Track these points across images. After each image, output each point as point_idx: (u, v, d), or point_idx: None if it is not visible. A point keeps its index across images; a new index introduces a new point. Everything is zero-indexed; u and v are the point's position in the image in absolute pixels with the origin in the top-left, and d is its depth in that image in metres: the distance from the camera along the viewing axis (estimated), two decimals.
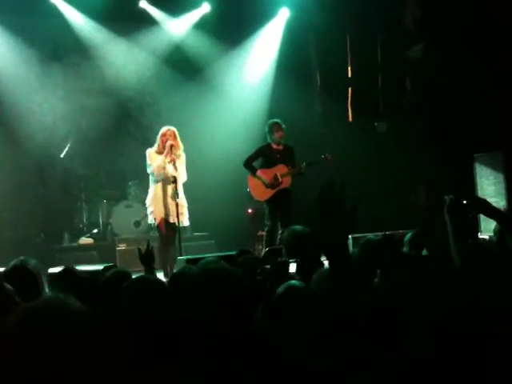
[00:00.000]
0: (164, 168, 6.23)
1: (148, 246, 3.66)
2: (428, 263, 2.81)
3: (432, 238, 3.15)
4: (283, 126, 6.94)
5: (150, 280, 2.20)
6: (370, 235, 5.13)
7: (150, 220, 6.46)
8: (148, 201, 6.45)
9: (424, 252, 3.03)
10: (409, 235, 3.17)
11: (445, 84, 8.49)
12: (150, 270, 3.60)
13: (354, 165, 8.74)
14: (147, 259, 3.62)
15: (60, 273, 3.23)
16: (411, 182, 9.13)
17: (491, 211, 2.38)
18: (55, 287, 3.08)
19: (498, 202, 7.12)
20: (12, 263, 3.18)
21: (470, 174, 7.50)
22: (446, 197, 2.33)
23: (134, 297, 2.02)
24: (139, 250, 3.67)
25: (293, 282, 2.08)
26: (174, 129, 6.38)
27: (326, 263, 3.28)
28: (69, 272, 3.25)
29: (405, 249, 3.06)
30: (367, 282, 2.22)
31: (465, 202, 2.35)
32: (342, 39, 9.42)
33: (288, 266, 2.73)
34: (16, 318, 1.43)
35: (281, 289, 2.03)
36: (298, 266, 2.76)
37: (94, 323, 1.51)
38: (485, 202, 2.47)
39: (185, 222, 6.41)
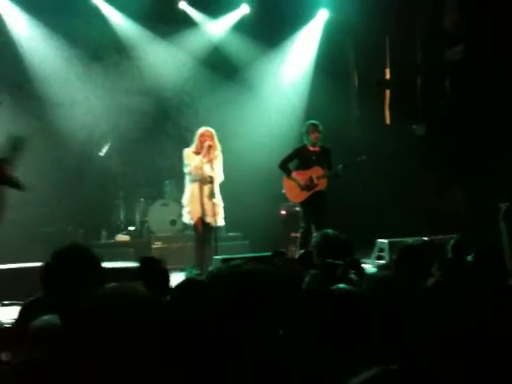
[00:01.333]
0: (201, 168, 6.29)
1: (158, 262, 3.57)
2: (474, 269, 2.77)
3: (477, 244, 3.10)
4: (320, 127, 6.91)
5: (197, 281, 2.25)
6: (409, 240, 5.11)
7: (188, 220, 6.52)
8: (184, 200, 6.51)
9: (469, 258, 2.99)
10: (452, 241, 3.12)
11: (484, 86, 8.34)
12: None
13: (392, 168, 8.66)
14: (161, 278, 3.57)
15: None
16: (450, 185, 8.99)
17: None
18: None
19: None
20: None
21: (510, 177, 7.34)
22: (501, 204, 2.30)
23: (182, 297, 2.08)
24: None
25: (341, 285, 2.07)
26: (211, 130, 6.44)
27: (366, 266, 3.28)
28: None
29: (449, 255, 3.02)
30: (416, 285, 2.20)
31: None
32: (381, 41, 9.34)
33: (336, 268, 2.73)
34: (90, 302, 1.49)
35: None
36: (345, 269, 2.74)
37: (160, 312, 1.56)
38: None
39: (220, 221, 6.46)
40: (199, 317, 1.87)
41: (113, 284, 1.61)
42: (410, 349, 1.47)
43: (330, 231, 3.41)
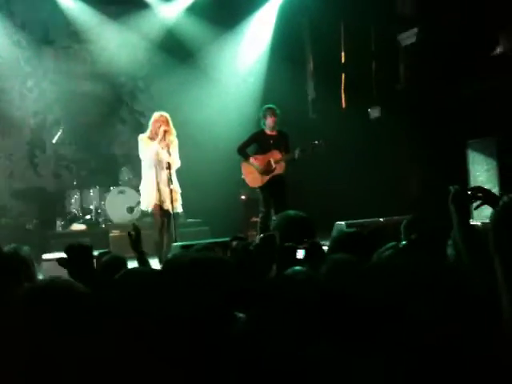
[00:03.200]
0: (158, 154, 6.19)
1: (136, 229, 3.57)
2: (418, 250, 2.82)
3: (424, 225, 3.16)
4: (277, 111, 6.90)
5: (141, 272, 2.19)
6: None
7: (145, 207, 6.43)
8: (141, 187, 6.42)
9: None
10: (404, 221, 3.18)
11: (438, 69, 8.48)
12: (142, 256, 3.56)
13: (348, 151, 8.74)
14: (137, 244, 3.56)
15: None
16: (404, 168, 9.15)
17: (488, 196, 2.39)
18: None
19: (490, 188, 7.14)
20: (4, 250, 3.16)
21: (462, 161, 7.51)
22: (450, 187, 2.34)
23: (124, 289, 2.01)
24: (130, 235, 3.60)
25: (298, 268, 2.06)
26: (166, 114, 6.33)
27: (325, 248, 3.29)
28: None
29: (402, 235, 3.07)
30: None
31: (469, 192, 2.36)
32: (336, 24, 9.37)
33: (296, 251, 2.71)
34: (21, 296, 1.43)
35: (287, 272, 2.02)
36: (307, 252, 2.73)
37: (97, 306, 1.51)
38: (489, 191, 2.47)
39: (178, 208, 6.39)
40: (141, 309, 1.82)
41: (44, 279, 1.55)
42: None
43: (291, 212, 3.41)
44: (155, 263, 5.64)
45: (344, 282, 1.72)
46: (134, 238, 3.48)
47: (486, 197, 2.37)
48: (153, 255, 6.06)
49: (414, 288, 1.46)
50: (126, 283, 1.97)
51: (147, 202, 6.31)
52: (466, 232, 2.21)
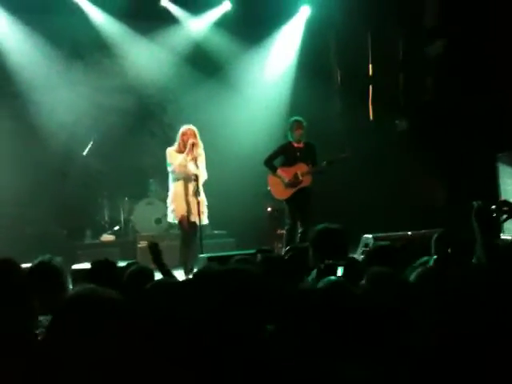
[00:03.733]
0: (185, 166, 6.27)
1: (153, 245, 3.69)
2: (450, 263, 2.81)
3: (454, 239, 3.15)
4: (304, 123, 6.92)
5: (170, 283, 2.22)
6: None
7: (172, 219, 6.49)
8: (169, 199, 6.48)
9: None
10: (435, 235, 3.17)
11: (466, 80, 8.41)
12: (163, 268, 3.62)
13: (374, 163, 8.70)
14: (157, 258, 3.65)
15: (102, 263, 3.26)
16: (432, 180, 9.06)
17: None
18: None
19: None
20: (37, 260, 3.21)
21: (492, 174, 7.41)
22: (473, 202, 2.33)
23: (154, 299, 2.04)
24: (150, 249, 3.70)
25: (333, 278, 2.07)
26: (194, 128, 6.42)
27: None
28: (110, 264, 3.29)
29: (432, 249, 3.06)
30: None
31: (495, 206, 2.34)
32: (363, 37, 9.37)
33: (336, 269, 2.73)
34: (63, 304, 1.46)
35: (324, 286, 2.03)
36: (346, 269, 2.75)
37: (127, 312, 1.53)
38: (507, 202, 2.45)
39: (204, 220, 6.45)
40: (175, 318, 1.85)
41: (83, 287, 1.57)
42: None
43: (322, 226, 3.41)
44: (179, 274, 5.68)
45: (386, 294, 1.72)
46: (153, 252, 3.58)
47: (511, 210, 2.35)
48: (178, 266, 6.12)
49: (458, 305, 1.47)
50: (157, 293, 2.00)
51: (174, 214, 6.38)
52: (489, 248, 2.20)
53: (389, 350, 1.55)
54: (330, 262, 2.74)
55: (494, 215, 2.34)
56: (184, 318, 1.85)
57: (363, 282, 2.19)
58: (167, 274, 3.56)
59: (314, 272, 2.71)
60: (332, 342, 1.75)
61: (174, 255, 6.84)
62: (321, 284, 2.06)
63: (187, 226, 6.35)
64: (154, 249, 3.63)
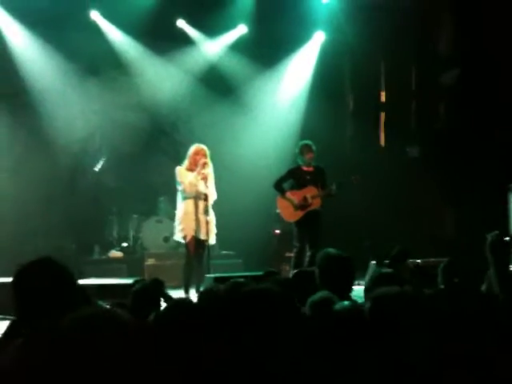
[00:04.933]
0: (196, 185, 6.28)
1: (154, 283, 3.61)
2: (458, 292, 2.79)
3: (460, 269, 3.13)
4: (313, 147, 6.95)
5: (185, 305, 2.22)
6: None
7: (180, 238, 6.46)
8: (178, 218, 6.46)
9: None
10: (442, 264, 3.16)
11: (479, 110, 8.42)
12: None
13: (384, 189, 8.70)
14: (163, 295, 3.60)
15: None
16: (442, 208, 9.03)
17: None
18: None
19: None
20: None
21: (503, 205, 7.38)
22: (488, 235, 2.33)
23: (169, 321, 2.04)
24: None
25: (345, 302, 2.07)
26: (205, 147, 6.45)
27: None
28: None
29: (439, 278, 3.05)
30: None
31: (507, 239, 2.34)
32: (377, 63, 9.44)
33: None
34: (66, 325, 1.44)
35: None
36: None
37: (143, 335, 1.52)
38: None
39: (213, 239, 6.44)
40: (189, 339, 1.85)
41: (89, 308, 1.55)
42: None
43: (331, 250, 3.40)
44: (180, 294, 5.67)
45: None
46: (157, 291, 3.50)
47: None
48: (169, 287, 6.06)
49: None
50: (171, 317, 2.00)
51: (183, 233, 6.36)
52: (503, 278, 2.19)
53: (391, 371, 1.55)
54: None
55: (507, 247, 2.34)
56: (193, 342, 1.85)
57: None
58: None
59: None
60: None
61: (181, 274, 6.84)
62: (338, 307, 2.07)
63: (194, 247, 6.34)
64: (158, 288, 3.56)
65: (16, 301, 2.11)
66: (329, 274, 3.06)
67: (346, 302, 2.08)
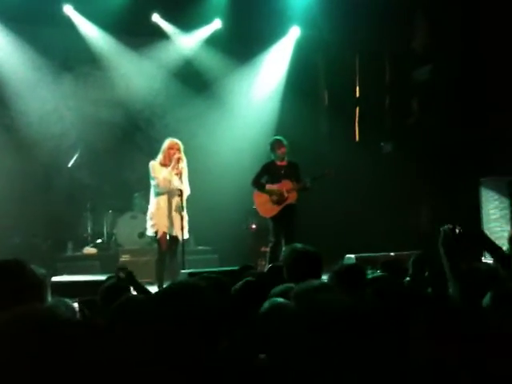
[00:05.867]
0: (170, 181, 6.24)
1: (125, 271, 3.62)
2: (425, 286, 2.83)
3: (432, 262, 3.18)
4: (285, 142, 6.99)
5: (136, 300, 2.21)
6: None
7: (151, 232, 6.40)
8: (150, 213, 6.37)
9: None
10: (412, 257, 3.20)
11: (451, 106, 8.52)
12: (141, 289, 3.59)
13: (359, 184, 8.77)
14: (133, 282, 3.61)
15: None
16: (415, 203, 9.14)
17: (487, 244, 2.40)
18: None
19: (503, 226, 7.11)
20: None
21: (475, 198, 7.50)
22: (441, 228, 2.35)
23: (121, 315, 2.03)
24: (119, 278, 3.61)
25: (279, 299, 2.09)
26: (179, 142, 6.40)
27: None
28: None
29: (410, 271, 3.09)
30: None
31: (457, 231, 2.36)
32: (351, 59, 9.49)
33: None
34: (4, 321, 1.44)
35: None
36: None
37: (83, 335, 1.51)
38: (481, 234, 2.48)
39: (186, 235, 6.39)
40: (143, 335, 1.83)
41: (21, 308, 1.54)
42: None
43: (299, 245, 3.42)
44: (154, 290, 5.64)
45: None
46: (127, 279, 3.52)
47: (479, 239, 2.38)
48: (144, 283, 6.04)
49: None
50: (123, 311, 1.99)
51: (155, 229, 6.30)
52: (456, 273, 2.22)
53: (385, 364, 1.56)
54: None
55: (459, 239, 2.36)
56: (149, 335, 1.84)
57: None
58: (144, 292, 3.54)
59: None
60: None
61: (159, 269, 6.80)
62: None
63: (166, 242, 6.29)
64: (127, 276, 3.57)
65: None
66: (295, 269, 3.08)
67: (279, 299, 2.09)
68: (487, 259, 6.58)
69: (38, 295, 2.17)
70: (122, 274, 3.53)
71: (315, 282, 2.17)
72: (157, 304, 1.95)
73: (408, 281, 2.65)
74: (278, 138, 7.07)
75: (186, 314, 1.83)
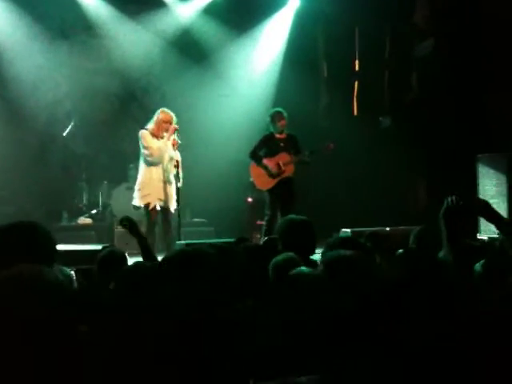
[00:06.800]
0: (165, 151, 6.17)
1: (127, 219, 3.60)
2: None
3: (433, 236, 3.16)
4: (285, 114, 6.92)
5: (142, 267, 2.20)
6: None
7: (140, 203, 6.19)
8: (140, 183, 6.20)
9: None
10: (414, 231, 3.18)
11: (451, 82, 8.46)
12: (142, 240, 3.57)
13: (357, 158, 8.74)
14: (136, 230, 3.59)
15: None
16: (412, 178, 9.13)
17: (491, 215, 2.37)
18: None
19: (499, 203, 7.10)
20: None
21: (472, 174, 7.48)
22: (445, 199, 2.32)
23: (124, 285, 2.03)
24: (123, 222, 3.60)
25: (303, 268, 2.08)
26: (173, 114, 6.28)
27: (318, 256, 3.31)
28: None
29: (410, 243, 3.08)
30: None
31: (461, 203, 2.33)
32: (351, 32, 9.37)
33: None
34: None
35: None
36: None
37: (70, 297, 1.51)
38: (486, 204, 2.45)
39: (175, 205, 6.27)
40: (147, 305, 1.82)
41: (18, 266, 1.54)
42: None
43: (293, 216, 3.41)
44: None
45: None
46: (128, 225, 3.51)
47: (482, 209, 2.35)
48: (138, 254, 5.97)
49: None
50: (124, 280, 1.98)
51: (147, 199, 6.17)
52: (454, 247, 2.20)
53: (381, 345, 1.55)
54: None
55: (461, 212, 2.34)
56: (151, 303, 1.82)
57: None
58: (145, 245, 3.52)
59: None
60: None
61: (151, 241, 6.77)
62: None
63: (156, 214, 6.19)
64: (128, 222, 3.56)
65: None
66: (290, 238, 3.07)
67: (304, 268, 2.08)
68: (481, 236, 6.63)
69: (50, 257, 2.17)
70: (125, 224, 3.53)
71: (346, 252, 2.16)
72: (168, 269, 1.94)
73: (400, 253, 2.64)
74: (278, 109, 6.99)
75: (200, 278, 1.83)
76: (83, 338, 1.53)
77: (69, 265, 3.43)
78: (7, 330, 1.38)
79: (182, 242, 5.77)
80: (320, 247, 3.09)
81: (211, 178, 8.50)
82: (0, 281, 1.45)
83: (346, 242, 2.89)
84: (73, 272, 2.95)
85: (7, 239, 2.17)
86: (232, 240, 4.48)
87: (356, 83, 9.49)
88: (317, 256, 3.15)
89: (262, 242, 4.97)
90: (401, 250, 2.67)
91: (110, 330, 1.66)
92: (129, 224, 3.51)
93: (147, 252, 3.42)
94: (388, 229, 6.19)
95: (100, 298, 2.03)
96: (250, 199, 8.79)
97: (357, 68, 9.51)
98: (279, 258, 2.54)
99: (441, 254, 2.47)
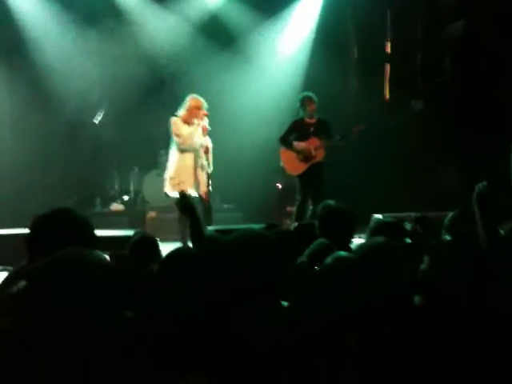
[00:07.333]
0: (197, 137, 6.16)
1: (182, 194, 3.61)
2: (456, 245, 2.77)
3: (468, 221, 3.10)
4: (315, 99, 6.85)
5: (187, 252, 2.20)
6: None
7: (173, 191, 6.09)
8: (173, 172, 6.16)
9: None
10: (450, 216, 3.13)
11: (484, 64, 8.24)
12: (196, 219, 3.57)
13: (388, 142, 8.61)
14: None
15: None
16: (443, 165, 8.96)
17: None
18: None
19: None
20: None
21: (505, 162, 7.30)
22: (477, 185, 2.27)
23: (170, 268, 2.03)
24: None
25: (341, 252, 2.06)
26: (204, 101, 6.26)
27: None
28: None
29: (443, 231, 3.02)
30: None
31: (491, 188, 2.28)
32: (382, 13, 9.19)
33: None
34: (39, 266, 1.46)
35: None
36: None
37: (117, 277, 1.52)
38: None
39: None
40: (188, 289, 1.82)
41: (67, 249, 1.56)
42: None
43: (332, 202, 3.38)
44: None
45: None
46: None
47: None
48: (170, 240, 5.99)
49: None
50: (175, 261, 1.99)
51: (182, 187, 6.15)
52: (489, 231, 2.15)
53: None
54: None
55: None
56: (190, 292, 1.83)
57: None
58: (197, 221, 3.54)
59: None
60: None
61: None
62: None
63: (191, 200, 6.18)
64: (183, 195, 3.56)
65: (33, 248, 2.17)
66: (329, 225, 3.05)
67: (342, 252, 2.06)
68: None
69: (89, 242, 2.21)
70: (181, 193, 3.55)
71: (380, 239, 2.13)
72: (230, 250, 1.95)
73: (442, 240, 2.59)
74: (308, 94, 6.92)
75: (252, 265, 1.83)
76: (130, 322, 1.54)
77: (102, 250, 3.46)
78: (61, 313, 1.40)
79: (213, 227, 5.78)
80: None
81: (240, 164, 8.49)
82: (50, 263, 1.47)
83: (388, 226, 2.86)
84: (107, 257, 2.97)
85: (47, 226, 2.19)
86: (261, 226, 4.47)
87: (388, 66, 9.32)
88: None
89: (292, 228, 4.94)
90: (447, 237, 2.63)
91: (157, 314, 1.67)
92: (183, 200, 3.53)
93: (198, 236, 3.42)
94: (420, 215, 6.09)
95: (144, 280, 2.05)
96: (279, 185, 8.76)
97: (388, 50, 9.34)
98: (315, 244, 2.51)
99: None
